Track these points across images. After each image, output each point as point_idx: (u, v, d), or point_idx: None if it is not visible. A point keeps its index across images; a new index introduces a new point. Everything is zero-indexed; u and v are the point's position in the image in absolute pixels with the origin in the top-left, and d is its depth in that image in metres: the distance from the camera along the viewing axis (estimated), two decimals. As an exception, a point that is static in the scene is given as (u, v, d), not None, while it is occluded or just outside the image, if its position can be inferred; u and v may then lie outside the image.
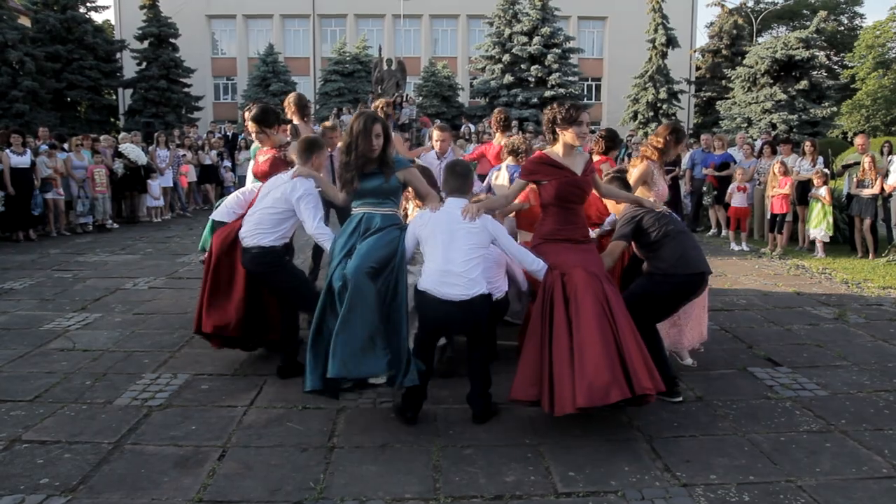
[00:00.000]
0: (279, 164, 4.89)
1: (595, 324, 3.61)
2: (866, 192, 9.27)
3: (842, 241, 10.03)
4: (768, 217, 10.22)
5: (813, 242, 9.66)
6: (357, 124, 3.97)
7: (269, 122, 5.03)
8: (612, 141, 6.14)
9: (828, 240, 9.51)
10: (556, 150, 4.08)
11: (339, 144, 4.40)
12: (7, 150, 10.39)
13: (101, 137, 13.38)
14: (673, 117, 29.03)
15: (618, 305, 3.75)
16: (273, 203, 4.43)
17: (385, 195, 4.04)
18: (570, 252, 3.95)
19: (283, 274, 4.54)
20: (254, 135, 5.15)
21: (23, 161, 10.45)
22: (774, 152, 11.05)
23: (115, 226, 12.29)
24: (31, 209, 10.68)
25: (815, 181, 9.53)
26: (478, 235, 3.83)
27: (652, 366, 3.68)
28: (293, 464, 3.44)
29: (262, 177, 4.93)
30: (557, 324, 3.71)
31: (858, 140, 10.34)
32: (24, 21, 28.14)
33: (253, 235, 4.44)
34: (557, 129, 4.03)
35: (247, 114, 5.31)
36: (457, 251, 3.76)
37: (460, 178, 4.02)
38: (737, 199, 10.39)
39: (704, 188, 11.70)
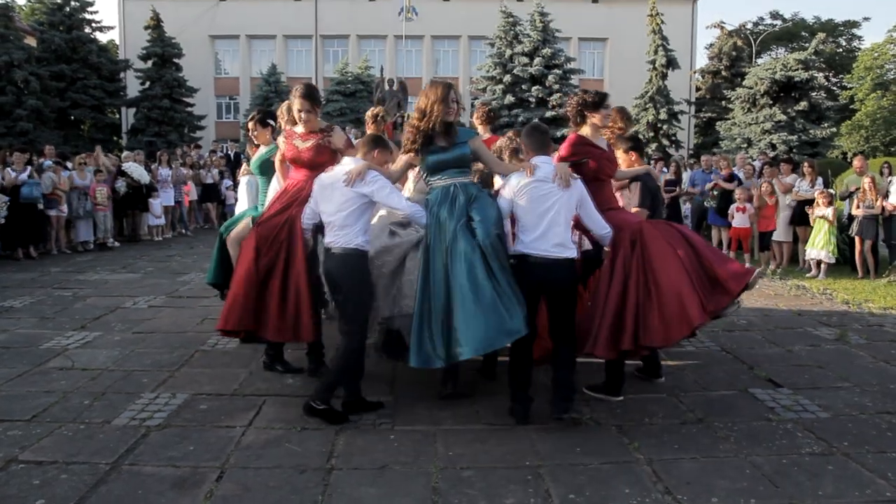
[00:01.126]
0: (324, 150, 4.60)
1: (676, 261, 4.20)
2: (860, 212, 9.29)
3: (842, 262, 10.02)
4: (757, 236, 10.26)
5: (818, 263, 9.55)
6: (435, 91, 4.18)
7: (318, 101, 4.75)
8: (628, 120, 5.83)
9: (832, 261, 9.46)
10: (586, 132, 4.55)
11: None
12: (7, 168, 10.44)
13: (100, 156, 13.40)
14: (673, 137, 29.13)
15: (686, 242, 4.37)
16: (343, 205, 4.18)
17: (468, 164, 4.32)
18: (620, 214, 4.54)
19: (366, 282, 4.29)
20: (302, 114, 4.59)
21: (23, 178, 10.49)
22: (772, 168, 11.10)
23: (116, 244, 12.31)
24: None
25: (819, 201, 9.52)
26: (569, 200, 4.14)
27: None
28: (291, 485, 3.41)
29: (304, 163, 4.62)
30: (636, 270, 4.22)
31: (856, 162, 10.37)
32: (31, 41, 28.39)
33: (345, 238, 4.15)
34: (587, 113, 4.51)
35: (250, 124, 5.40)
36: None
37: (543, 135, 4.34)
38: (738, 220, 10.40)
39: (713, 193, 11.61)
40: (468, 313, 3.85)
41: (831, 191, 10.18)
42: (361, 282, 4.19)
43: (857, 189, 9.87)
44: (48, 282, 8.81)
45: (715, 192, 11.48)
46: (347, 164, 4.28)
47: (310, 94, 4.63)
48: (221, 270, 5.32)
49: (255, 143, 5.55)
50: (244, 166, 5.91)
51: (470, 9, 36.28)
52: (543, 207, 4.07)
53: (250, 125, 5.40)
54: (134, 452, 3.76)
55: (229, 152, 18.97)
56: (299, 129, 4.69)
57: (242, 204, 5.85)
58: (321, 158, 4.56)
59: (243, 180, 5.84)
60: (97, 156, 13.09)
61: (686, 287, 4.12)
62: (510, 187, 4.18)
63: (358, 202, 4.17)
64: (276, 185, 5.10)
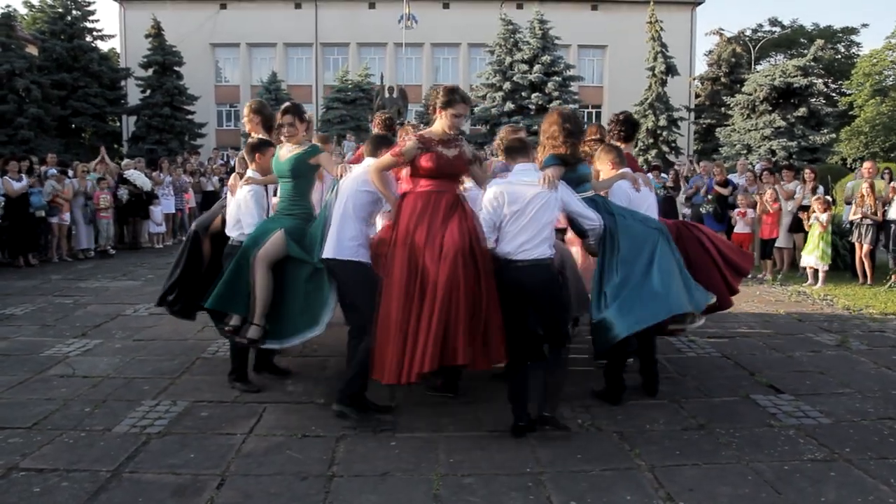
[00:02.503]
0: (465, 158, 4.47)
1: None
2: (859, 217, 9.30)
3: (842, 268, 10.01)
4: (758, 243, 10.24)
5: (815, 272, 9.50)
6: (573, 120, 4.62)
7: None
8: (632, 127, 5.62)
9: (826, 268, 9.42)
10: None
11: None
12: (6, 177, 10.47)
13: (105, 158, 13.42)
14: (673, 144, 29.19)
15: None
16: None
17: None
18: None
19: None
20: (458, 120, 4.24)
21: (21, 186, 10.52)
22: (773, 175, 11.11)
23: (113, 251, 12.26)
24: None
25: (816, 207, 9.51)
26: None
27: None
28: (292, 492, 3.41)
29: (451, 172, 4.24)
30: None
31: (867, 165, 10.29)
32: (32, 49, 28.50)
33: (541, 245, 4.05)
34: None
35: (285, 118, 4.66)
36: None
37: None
38: (739, 226, 10.40)
39: (709, 198, 11.60)
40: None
41: (827, 197, 10.17)
42: None
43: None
44: (49, 289, 8.81)
45: (710, 198, 11.49)
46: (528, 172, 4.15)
47: (466, 98, 4.33)
48: (232, 294, 4.62)
49: (259, 141, 4.98)
50: (247, 174, 4.92)
51: (470, 16, 36.40)
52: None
53: (285, 119, 4.64)
54: (135, 460, 3.75)
55: (230, 159, 18.99)
56: (434, 134, 4.19)
57: (249, 219, 4.76)
58: (465, 167, 4.32)
59: (245, 193, 4.80)
60: (102, 157, 13.12)
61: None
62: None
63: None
64: (321, 192, 4.92)
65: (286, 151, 4.67)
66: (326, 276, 4.42)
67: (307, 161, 4.61)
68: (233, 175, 5.18)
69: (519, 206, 3.99)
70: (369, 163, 4.32)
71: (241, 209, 4.80)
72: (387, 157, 4.17)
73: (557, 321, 4.12)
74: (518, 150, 4.25)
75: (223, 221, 5.05)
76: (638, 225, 4.52)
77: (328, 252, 4.26)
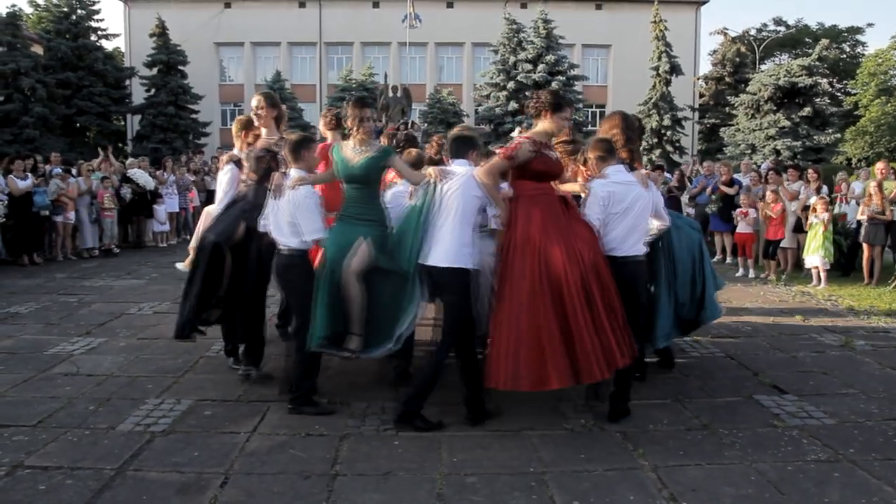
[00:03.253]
0: None
1: None
2: (865, 217, 9.27)
3: (848, 269, 9.97)
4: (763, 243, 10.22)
5: (818, 274, 9.47)
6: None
7: None
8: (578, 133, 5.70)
9: (828, 267, 9.40)
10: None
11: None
12: (11, 175, 10.51)
13: (110, 157, 13.45)
14: (677, 144, 29.14)
15: None
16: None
17: None
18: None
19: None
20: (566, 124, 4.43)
21: (25, 185, 10.55)
22: (779, 175, 11.08)
23: (117, 250, 12.29)
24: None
25: (818, 207, 9.49)
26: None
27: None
28: (296, 491, 3.41)
29: (557, 174, 4.50)
30: None
31: (880, 165, 10.23)
32: (37, 49, 28.57)
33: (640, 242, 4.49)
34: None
35: (366, 110, 4.43)
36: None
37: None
38: (742, 226, 10.38)
39: (713, 197, 11.59)
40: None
41: (828, 196, 10.13)
42: None
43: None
44: (53, 288, 8.84)
45: (714, 198, 11.47)
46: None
47: (570, 102, 4.60)
48: (339, 315, 4.30)
49: (302, 138, 4.62)
50: (295, 174, 4.44)
51: (474, 16, 36.38)
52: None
53: (364, 113, 4.35)
54: (138, 458, 3.77)
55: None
56: (541, 137, 4.24)
57: (311, 225, 4.36)
58: (562, 169, 4.53)
59: (302, 196, 4.35)
60: (107, 155, 13.16)
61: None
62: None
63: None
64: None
65: (355, 153, 4.35)
66: (413, 286, 4.20)
67: (381, 165, 4.39)
68: (276, 175, 4.54)
69: (626, 205, 4.24)
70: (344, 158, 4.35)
71: (298, 214, 4.31)
72: (498, 160, 4.19)
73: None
74: (611, 153, 4.42)
75: (247, 230, 4.74)
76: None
77: (439, 260, 4.08)
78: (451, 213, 4.10)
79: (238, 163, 5.18)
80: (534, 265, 3.94)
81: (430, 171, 4.25)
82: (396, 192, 4.87)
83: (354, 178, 4.35)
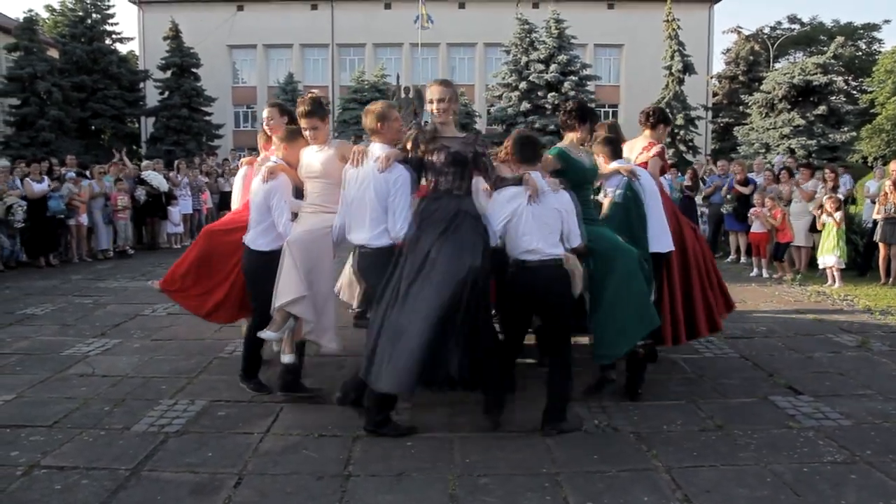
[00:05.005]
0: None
1: None
2: (880, 216, 9.18)
3: (864, 268, 9.86)
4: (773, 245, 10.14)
5: (832, 274, 9.37)
6: None
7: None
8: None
9: (843, 266, 9.31)
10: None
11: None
12: (27, 178, 10.63)
13: (125, 159, 13.57)
14: (690, 143, 28.97)
15: None
16: None
17: None
18: None
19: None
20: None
21: (41, 188, 10.67)
22: (791, 175, 11.00)
23: (132, 252, 12.38)
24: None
25: (828, 206, 9.39)
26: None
27: None
28: (309, 492, 3.42)
29: None
30: None
31: (894, 165, 10.10)
32: (53, 53, 28.88)
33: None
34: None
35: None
36: None
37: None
38: (756, 225, 10.30)
39: (728, 197, 11.52)
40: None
41: (840, 195, 10.02)
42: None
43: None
44: (69, 289, 8.92)
45: (729, 197, 11.40)
46: None
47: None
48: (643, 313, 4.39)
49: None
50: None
51: (485, 16, 36.35)
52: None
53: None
54: (153, 458, 3.79)
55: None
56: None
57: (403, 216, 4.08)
58: None
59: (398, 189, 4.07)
60: (121, 157, 13.27)
61: None
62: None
63: None
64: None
65: (588, 157, 4.66)
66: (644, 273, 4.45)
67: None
68: (378, 156, 4.14)
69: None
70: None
71: (396, 207, 4.06)
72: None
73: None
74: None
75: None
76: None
77: (665, 246, 4.73)
78: (657, 200, 4.78)
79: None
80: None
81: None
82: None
83: (587, 180, 4.68)
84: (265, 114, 5.18)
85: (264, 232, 4.59)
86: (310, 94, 4.55)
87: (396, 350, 3.73)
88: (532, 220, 4.00)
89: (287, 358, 4.49)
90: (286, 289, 4.30)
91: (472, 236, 3.92)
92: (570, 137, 4.68)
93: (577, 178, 4.46)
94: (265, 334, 4.42)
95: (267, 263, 4.48)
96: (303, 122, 4.52)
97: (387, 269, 4.01)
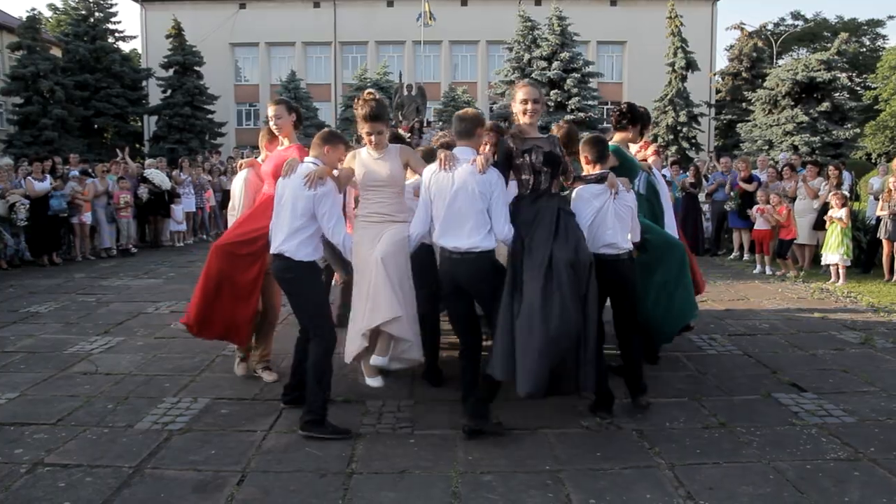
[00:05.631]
0: None
1: None
2: (887, 213, 9.14)
3: (868, 265, 9.84)
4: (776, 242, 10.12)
5: (836, 270, 9.34)
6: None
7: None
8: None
9: (848, 264, 9.28)
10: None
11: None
12: (29, 177, 10.65)
13: (127, 158, 13.58)
14: (693, 140, 28.91)
15: None
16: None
17: None
18: None
19: None
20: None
21: (43, 187, 10.69)
22: (794, 172, 10.98)
23: (134, 250, 12.40)
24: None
25: (834, 203, 9.37)
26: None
27: None
28: (312, 489, 3.43)
29: None
30: None
31: None
32: (56, 51, 28.94)
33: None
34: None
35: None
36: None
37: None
38: (760, 222, 10.28)
39: (732, 194, 11.50)
40: None
41: (846, 193, 9.99)
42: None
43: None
44: (72, 288, 8.94)
45: (733, 194, 11.37)
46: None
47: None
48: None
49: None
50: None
51: (488, 13, 36.33)
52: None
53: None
54: (156, 456, 3.80)
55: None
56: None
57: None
58: None
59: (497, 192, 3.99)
60: (123, 156, 13.28)
61: None
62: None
63: None
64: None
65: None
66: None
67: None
68: (474, 159, 4.04)
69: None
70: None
71: (499, 208, 3.98)
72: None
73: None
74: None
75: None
76: None
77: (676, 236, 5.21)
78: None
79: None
80: None
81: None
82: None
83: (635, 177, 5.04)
84: (270, 111, 4.85)
85: (308, 241, 4.12)
86: (369, 94, 4.20)
87: (537, 353, 3.69)
88: (614, 217, 4.27)
89: (375, 381, 4.17)
90: (384, 308, 3.96)
91: (578, 232, 4.05)
92: (622, 136, 5.13)
93: (628, 174, 4.69)
94: (377, 360, 4.08)
95: (311, 274, 4.19)
96: (365, 126, 4.11)
97: (497, 272, 4.03)
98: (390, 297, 3.95)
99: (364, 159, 4.22)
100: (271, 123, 4.86)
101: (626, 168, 4.79)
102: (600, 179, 4.31)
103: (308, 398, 4.07)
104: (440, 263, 4.21)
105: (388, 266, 3.98)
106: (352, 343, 4.14)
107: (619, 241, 4.28)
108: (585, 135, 4.84)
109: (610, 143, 4.78)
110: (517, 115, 4.16)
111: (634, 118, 5.11)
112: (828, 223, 9.45)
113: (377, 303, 3.97)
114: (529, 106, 4.06)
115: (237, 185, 5.22)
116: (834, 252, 9.22)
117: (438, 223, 4.05)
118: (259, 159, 5.39)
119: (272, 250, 4.22)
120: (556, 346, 3.68)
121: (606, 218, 4.25)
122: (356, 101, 4.22)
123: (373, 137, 4.13)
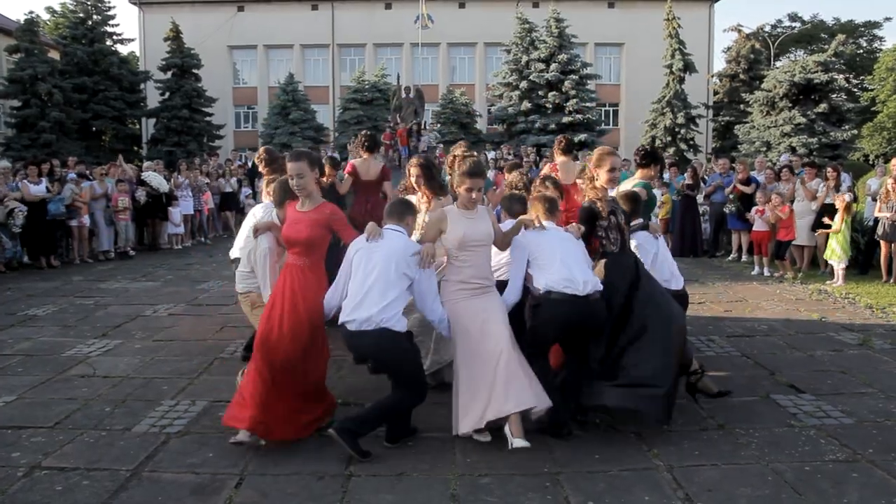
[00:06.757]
0: None
1: None
2: (885, 214, 9.15)
3: (866, 266, 9.84)
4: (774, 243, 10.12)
5: (830, 267, 9.39)
6: None
7: None
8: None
9: (845, 263, 9.28)
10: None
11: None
12: (24, 181, 10.63)
13: (123, 165, 13.58)
14: (691, 142, 28.94)
15: None
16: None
17: None
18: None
19: None
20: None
21: (38, 190, 10.67)
22: (793, 174, 10.99)
23: (132, 253, 12.39)
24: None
25: (837, 204, 9.36)
26: None
27: None
28: (310, 492, 3.42)
29: None
30: None
31: (895, 164, 10.07)
32: (54, 54, 28.93)
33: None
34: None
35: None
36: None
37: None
38: (758, 223, 10.28)
39: (731, 196, 11.50)
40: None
41: (848, 195, 10.00)
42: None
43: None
44: (70, 290, 8.92)
45: (732, 197, 11.38)
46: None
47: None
48: None
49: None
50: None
51: (486, 16, 36.37)
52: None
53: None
54: (154, 459, 3.79)
55: (248, 161, 19.12)
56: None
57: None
58: None
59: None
60: (120, 163, 13.28)
61: None
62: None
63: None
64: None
65: None
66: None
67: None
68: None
69: None
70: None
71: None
72: None
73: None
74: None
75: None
76: None
77: None
78: None
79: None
80: None
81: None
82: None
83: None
84: (291, 168, 4.04)
85: (397, 308, 3.80)
86: (465, 150, 4.35)
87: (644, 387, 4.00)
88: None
89: (519, 442, 3.79)
90: (519, 397, 3.80)
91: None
92: (644, 174, 5.44)
93: (649, 210, 5.27)
94: (520, 444, 3.77)
95: (404, 343, 3.86)
96: (466, 182, 3.94)
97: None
98: (524, 386, 3.82)
99: (459, 219, 4.00)
100: (292, 182, 4.07)
101: (649, 204, 5.30)
102: (644, 227, 4.88)
103: (365, 415, 3.88)
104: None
105: (516, 349, 3.91)
106: (469, 418, 3.91)
107: (669, 278, 4.89)
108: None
109: (638, 180, 5.37)
110: (601, 181, 4.52)
111: (656, 159, 5.59)
112: (835, 227, 9.43)
113: (509, 392, 3.79)
114: (616, 174, 4.63)
115: (260, 257, 4.63)
116: (834, 253, 9.25)
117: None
118: (262, 205, 5.16)
119: (355, 326, 3.77)
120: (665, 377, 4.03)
121: (660, 257, 4.84)
122: (451, 158, 4.41)
123: (473, 194, 3.98)
